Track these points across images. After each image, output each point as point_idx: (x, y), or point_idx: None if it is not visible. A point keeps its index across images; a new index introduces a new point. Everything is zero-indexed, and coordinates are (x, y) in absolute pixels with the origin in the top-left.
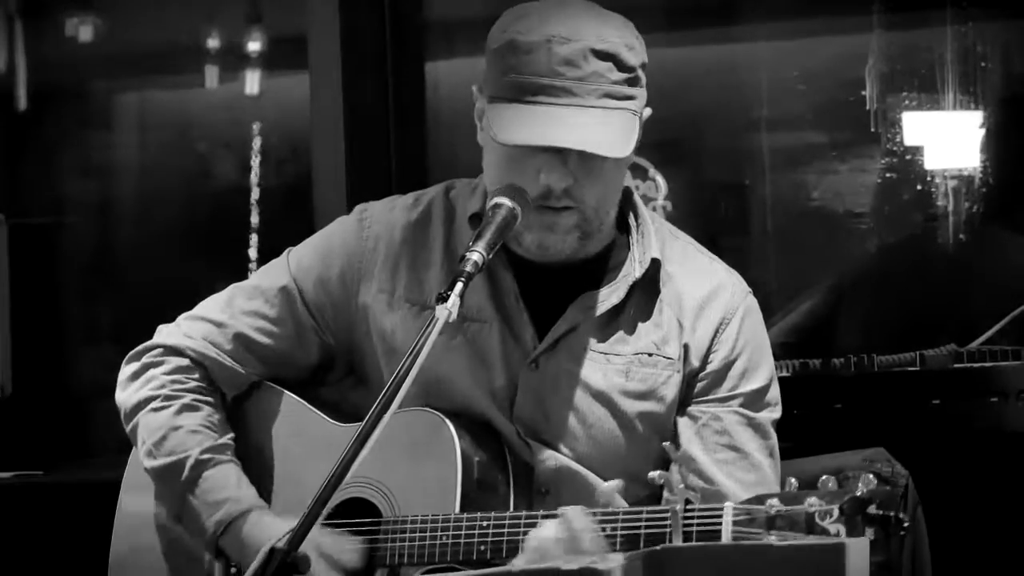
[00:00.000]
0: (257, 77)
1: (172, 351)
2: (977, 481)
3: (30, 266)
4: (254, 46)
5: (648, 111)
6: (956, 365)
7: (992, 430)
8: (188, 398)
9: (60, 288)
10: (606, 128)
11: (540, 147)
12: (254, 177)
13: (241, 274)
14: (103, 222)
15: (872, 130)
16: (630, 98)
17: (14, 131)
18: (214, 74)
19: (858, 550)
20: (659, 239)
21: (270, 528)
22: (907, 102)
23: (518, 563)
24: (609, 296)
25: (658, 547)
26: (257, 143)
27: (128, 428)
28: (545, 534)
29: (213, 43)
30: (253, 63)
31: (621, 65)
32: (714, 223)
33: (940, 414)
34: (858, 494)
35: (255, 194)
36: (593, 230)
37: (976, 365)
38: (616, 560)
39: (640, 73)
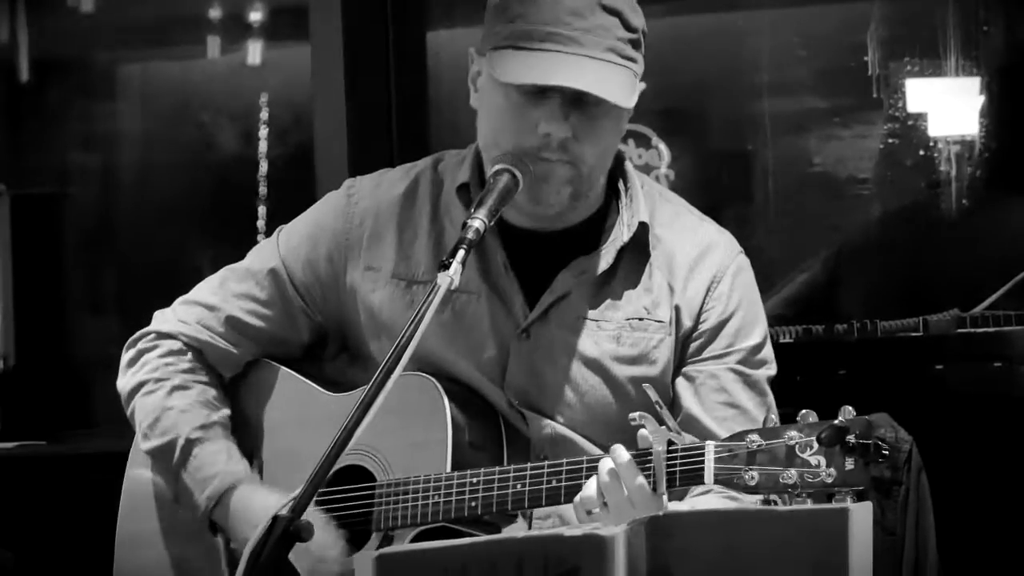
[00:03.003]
0: (259, 47)
1: (165, 336)
2: (981, 446)
3: (32, 237)
4: (256, 16)
5: (642, 85)
6: (959, 330)
7: (996, 395)
8: (179, 379)
9: (63, 259)
10: (610, 80)
11: (541, 98)
12: (262, 148)
13: (244, 244)
14: (105, 193)
15: (874, 96)
16: (632, 59)
17: (16, 102)
18: (216, 44)
19: (862, 514)
20: (649, 202)
21: (259, 499)
22: (909, 68)
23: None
24: (598, 262)
25: (660, 513)
26: (264, 114)
27: (127, 413)
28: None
29: (215, 13)
30: (255, 33)
31: (626, 24)
32: (717, 190)
33: (943, 379)
34: (836, 423)
35: (263, 166)
36: (584, 190)
37: (979, 330)
38: (619, 527)
39: (642, 40)
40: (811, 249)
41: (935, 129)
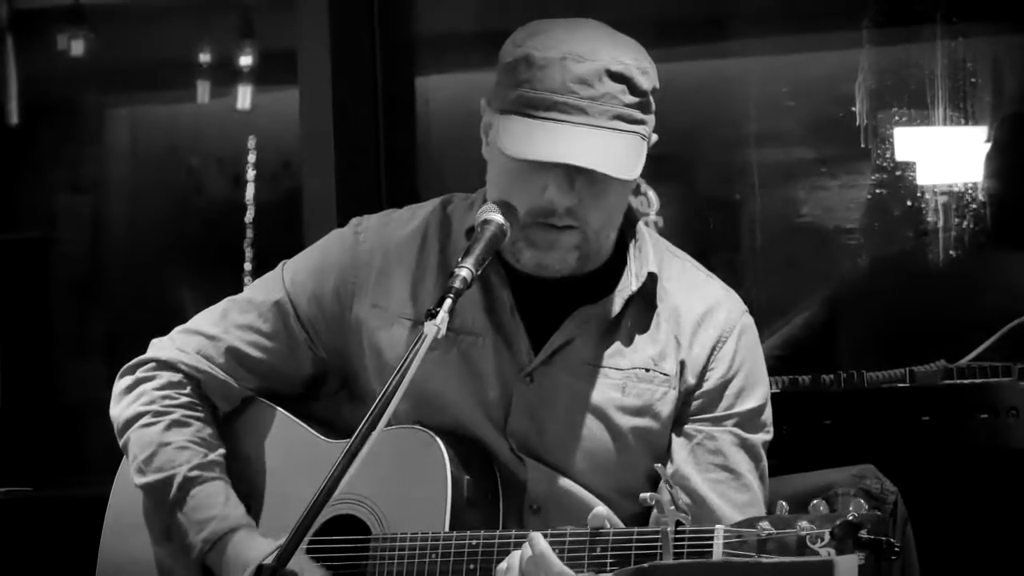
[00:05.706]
0: (249, 92)
1: (165, 365)
2: (967, 498)
3: (21, 281)
4: (246, 61)
5: (655, 137)
6: (946, 381)
7: (982, 446)
8: (178, 414)
9: (51, 303)
10: (615, 150)
11: (548, 164)
12: (250, 193)
13: (231, 290)
14: (94, 237)
15: (862, 146)
16: (640, 122)
17: (5, 146)
18: (206, 89)
19: (847, 567)
20: (657, 255)
21: (254, 547)
22: (897, 118)
23: None
24: (605, 310)
25: (645, 564)
26: (253, 159)
27: (121, 442)
28: (511, 561)
29: (205, 58)
30: (245, 78)
31: (634, 89)
32: (704, 238)
33: (930, 430)
34: (849, 519)
35: (251, 210)
36: (592, 251)
37: (966, 381)
38: None
39: (651, 99)
40: (798, 298)
41: (923, 179)
